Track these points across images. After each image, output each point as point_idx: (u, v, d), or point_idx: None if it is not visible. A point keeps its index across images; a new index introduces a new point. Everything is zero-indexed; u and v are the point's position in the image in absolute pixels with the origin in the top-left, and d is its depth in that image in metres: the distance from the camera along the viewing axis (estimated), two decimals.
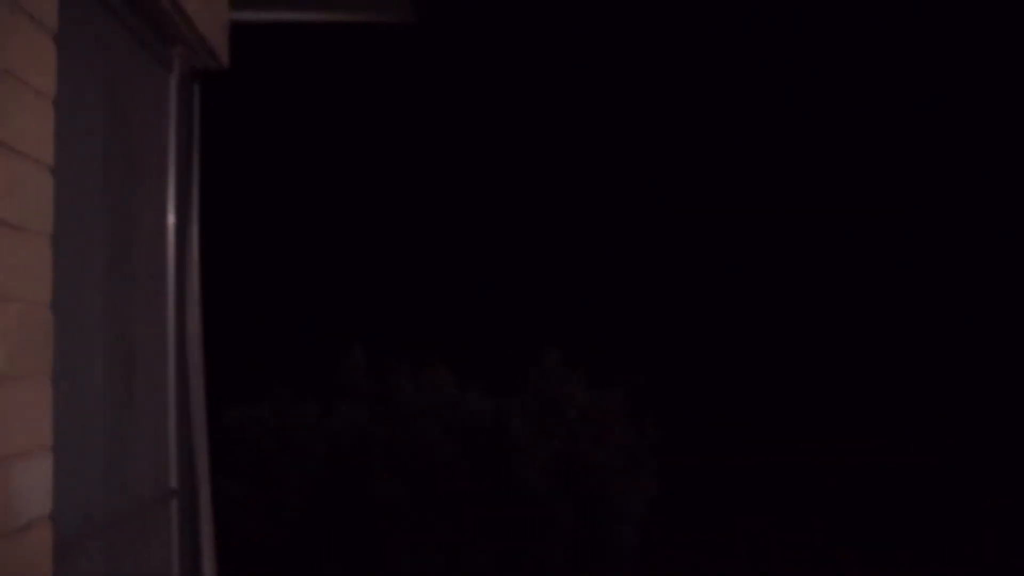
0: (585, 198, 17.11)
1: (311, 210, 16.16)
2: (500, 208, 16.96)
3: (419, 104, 16.28)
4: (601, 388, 8.85)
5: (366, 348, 8.86)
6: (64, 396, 2.26)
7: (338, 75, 15.74)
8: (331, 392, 8.64)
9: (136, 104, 3.33)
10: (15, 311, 1.87)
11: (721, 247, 17.31)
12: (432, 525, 8.07)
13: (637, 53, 16.83)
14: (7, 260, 1.85)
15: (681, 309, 17.13)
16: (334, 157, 16.23)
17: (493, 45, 15.86)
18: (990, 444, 13.53)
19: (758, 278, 17.19)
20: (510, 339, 13.51)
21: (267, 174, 15.72)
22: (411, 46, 14.29)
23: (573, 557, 8.21)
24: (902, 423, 15.30)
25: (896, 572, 8.03)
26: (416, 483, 8.12)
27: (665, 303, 17.10)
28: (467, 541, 8.11)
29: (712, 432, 14.93)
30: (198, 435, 3.79)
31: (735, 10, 16.50)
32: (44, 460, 1.97)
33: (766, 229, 17.24)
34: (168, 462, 3.53)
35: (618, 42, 16.86)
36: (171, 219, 3.61)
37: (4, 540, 1.80)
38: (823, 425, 15.42)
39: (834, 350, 16.83)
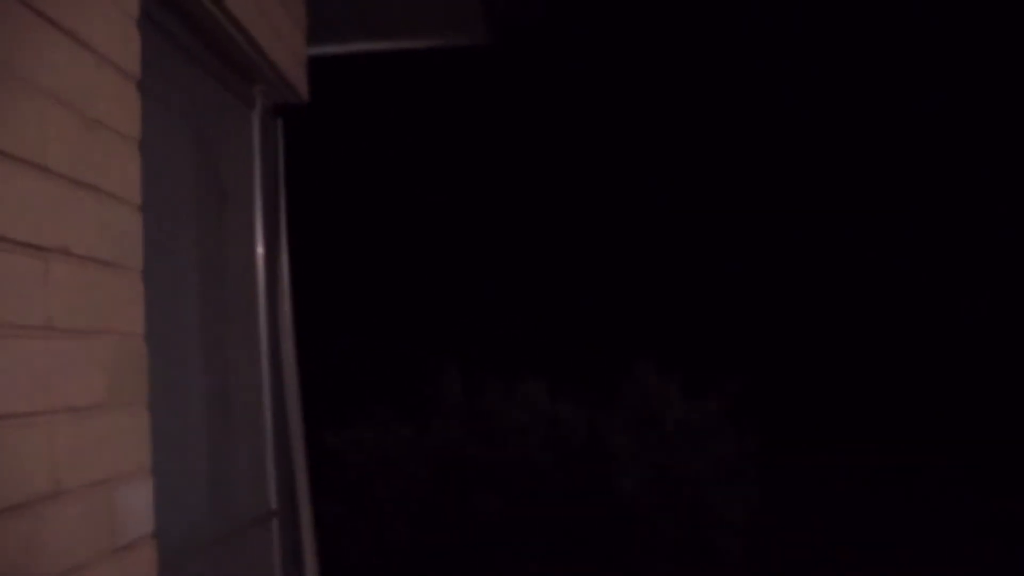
0: (670, 204, 17.04)
1: (400, 231, 16.45)
2: (589, 219, 17.00)
3: (492, 123, 16.47)
4: (697, 396, 8.79)
5: (459, 365, 8.97)
6: (164, 421, 2.39)
7: (419, 98, 16.02)
8: (427, 411, 8.78)
9: (221, 141, 3.49)
10: (112, 344, 2.00)
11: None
12: (531, 539, 8.12)
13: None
14: (104, 296, 1.98)
15: (775, 315, 16.90)
16: (419, 178, 16.50)
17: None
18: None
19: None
20: (602, 348, 13.51)
21: (355, 199, 16.07)
22: (481, 67, 14.44)
23: (675, 567, 8.16)
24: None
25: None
26: (514, 497, 8.18)
27: (762, 309, 16.88)
28: (566, 553, 8.14)
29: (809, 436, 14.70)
30: (297, 457, 3.93)
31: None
32: (145, 481, 2.10)
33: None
34: (267, 483, 3.67)
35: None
36: (260, 249, 3.75)
37: (111, 557, 1.92)
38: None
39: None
